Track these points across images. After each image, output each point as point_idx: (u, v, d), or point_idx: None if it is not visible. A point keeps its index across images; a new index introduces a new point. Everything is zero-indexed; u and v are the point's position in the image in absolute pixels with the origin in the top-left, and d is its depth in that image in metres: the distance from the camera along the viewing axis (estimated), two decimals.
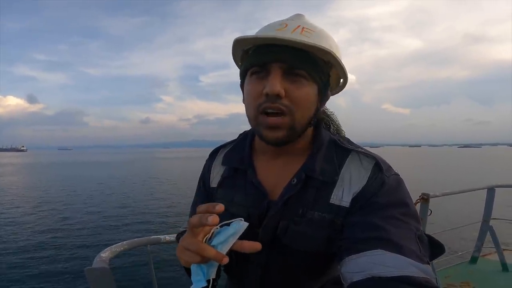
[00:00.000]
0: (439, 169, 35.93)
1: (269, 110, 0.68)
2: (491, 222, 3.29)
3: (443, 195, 2.88)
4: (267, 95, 0.67)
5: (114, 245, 1.25)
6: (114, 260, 1.18)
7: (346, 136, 0.86)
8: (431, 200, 2.66)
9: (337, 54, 0.70)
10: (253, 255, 0.75)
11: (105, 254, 1.16)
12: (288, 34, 0.67)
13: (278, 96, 0.66)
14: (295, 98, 0.68)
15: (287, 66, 0.67)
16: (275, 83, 0.66)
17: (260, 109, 0.69)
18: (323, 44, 0.67)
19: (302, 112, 0.70)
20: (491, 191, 3.26)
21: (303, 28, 0.69)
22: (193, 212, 0.92)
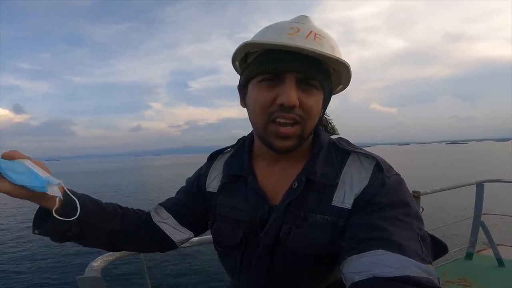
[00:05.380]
0: (429, 166, 36.41)
1: (282, 120, 0.67)
2: (483, 217, 3.33)
3: (433, 192, 2.92)
4: (281, 105, 0.66)
5: (106, 254, 1.22)
6: (107, 268, 1.16)
7: (339, 134, 0.86)
8: (422, 197, 2.69)
9: (341, 57, 0.70)
10: (257, 259, 0.75)
11: (97, 263, 1.14)
12: (302, 41, 0.65)
13: (293, 107, 0.66)
14: (307, 108, 0.68)
15: (302, 76, 0.66)
16: (292, 94, 0.65)
17: (272, 118, 0.68)
18: (331, 50, 0.67)
19: (311, 121, 0.70)
20: (480, 186, 3.32)
21: (315, 34, 0.67)
22: (176, 195, 0.95)
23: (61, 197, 0.66)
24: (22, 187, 0.62)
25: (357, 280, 0.54)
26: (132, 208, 0.91)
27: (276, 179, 0.77)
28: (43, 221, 0.71)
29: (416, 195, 2.67)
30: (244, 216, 0.77)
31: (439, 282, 0.54)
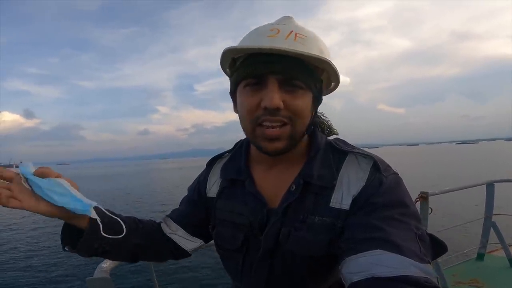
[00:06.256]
0: (438, 167, 35.93)
1: (268, 124, 0.67)
2: (494, 218, 3.28)
3: (442, 192, 2.88)
4: (265, 108, 0.65)
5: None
6: (116, 269, 1.18)
7: (339, 135, 0.86)
8: (431, 198, 2.65)
9: (329, 58, 0.69)
10: (258, 262, 0.75)
11: (106, 264, 1.16)
12: (282, 42, 0.65)
13: (277, 109, 0.65)
14: (294, 109, 0.67)
15: (285, 77, 0.66)
16: (274, 97, 0.64)
17: (258, 121, 0.68)
18: (316, 50, 0.67)
19: (301, 121, 0.70)
20: (490, 186, 3.26)
21: (296, 34, 0.67)
22: (180, 206, 0.96)
23: (99, 219, 0.68)
24: (59, 207, 0.63)
25: (356, 280, 0.55)
26: (148, 220, 0.93)
27: (273, 182, 0.77)
28: (71, 238, 0.73)
29: (425, 196, 2.64)
30: (243, 219, 0.78)
31: (437, 282, 0.54)
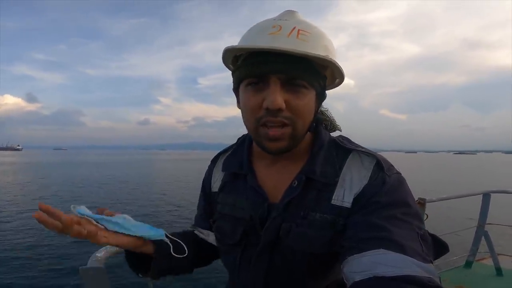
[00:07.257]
0: (436, 175, 36.04)
1: (270, 124, 0.67)
2: (486, 227, 3.30)
3: (439, 200, 2.90)
4: (267, 109, 0.65)
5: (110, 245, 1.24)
6: (109, 259, 1.17)
7: (341, 131, 0.86)
8: (427, 204, 2.67)
9: (334, 55, 0.69)
10: (257, 257, 0.75)
11: (101, 254, 1.15)
12: (284, 39, 0.63)
13: (279, 110, 0.65)
14: (296, 109, 0.67)
15: (287, 77, 0.65)
16: (276, 98, 0.64)
17: (261, 122, 0.67)
18: (321, 47, 0.66)
19: (303, 121, 0.69)
20: (486, 196, 3.29)
21: (298, 30, 0.65)
22: (198, 212, 0.98)
23: (169, 241, 0.74)
24: (135, 238, 0.69)
25: (358, 279, 0.55)
26: (190, 231, 0.96)
27: (276, 178, 0.77)
28: (139, 264, 0.78)
29: (422, 202, 2.66)
30: (244, 214, 0.78)
31: (440, 281, 0.54)
